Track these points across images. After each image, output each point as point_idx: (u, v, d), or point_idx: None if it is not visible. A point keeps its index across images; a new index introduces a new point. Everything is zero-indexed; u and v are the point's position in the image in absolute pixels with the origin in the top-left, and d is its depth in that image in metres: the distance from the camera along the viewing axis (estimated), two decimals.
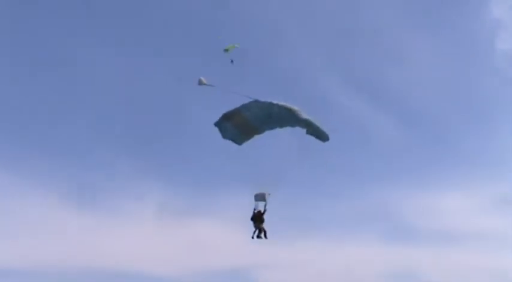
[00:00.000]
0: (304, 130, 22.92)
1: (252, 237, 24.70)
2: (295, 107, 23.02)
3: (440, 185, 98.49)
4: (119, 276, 75.96)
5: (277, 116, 22.79)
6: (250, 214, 25.49)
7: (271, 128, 23.99)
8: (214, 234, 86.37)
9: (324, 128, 22.94)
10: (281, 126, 23.52)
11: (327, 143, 22.83)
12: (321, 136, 22.91)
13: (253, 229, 25.28)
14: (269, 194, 23.56)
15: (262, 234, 24.88)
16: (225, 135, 24.67)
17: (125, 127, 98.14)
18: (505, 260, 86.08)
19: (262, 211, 25.46)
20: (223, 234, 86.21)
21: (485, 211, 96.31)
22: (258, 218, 25.61)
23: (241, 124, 23.80)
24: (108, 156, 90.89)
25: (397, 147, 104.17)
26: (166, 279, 79.09)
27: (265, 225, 24.69)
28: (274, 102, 23.36)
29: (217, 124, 25.28)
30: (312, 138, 23.01)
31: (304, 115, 22.52)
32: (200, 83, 22.08)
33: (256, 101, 23.20)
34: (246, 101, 23.45)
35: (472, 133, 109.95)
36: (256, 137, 24.85)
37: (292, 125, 22.74)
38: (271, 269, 79.58)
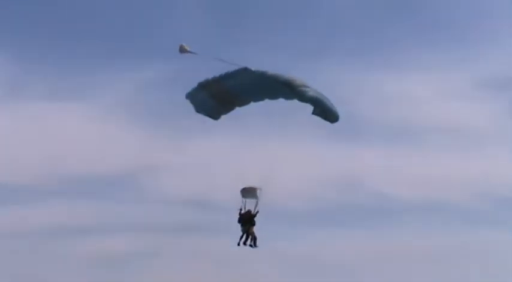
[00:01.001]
0: (307, 107, 19.51)
1: (238, 244, 20.52)
2: (298, 81, 19.52)
3: (402, 66, 79.73)
4: None
5: (271, 88, 19.38)
6: (236, 215, 21.39)
7: (259, 100, 20.53)
8: (85, 127, 72.24)
9: (333, 106, 19.50)
10: (273, 98, 20.07)
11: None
12: (330, 116, 19.44)
13: (240, 234, 20.94)
14: (260, 189, 19.87)
15: (251, 241, 20.69)
16: (198, 109, 21.17)
17: None
18: (481, 162, 73.80)
19: (253, 212, 21.19)
20: (99, 128, 72.76)
21: (459, 99, 79.30)
22: (247, 221, 21.41)
23: (221, 94, 20.34)
24: None
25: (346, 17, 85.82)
26: (22, 190, 65.53)
27: (255, 230, 20.56)
28: (270, 72, 19.81)
29: (189, 95, 21.49)
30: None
31: (311, 91, 19.07)
32: (182, 50, 18.81)
33: (245, 69, 19.77)
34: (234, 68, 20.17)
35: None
36: (238, 109, 21.15)
37: (288, 98, 19.33)
38: (161, 173, 68.50)
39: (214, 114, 21.64)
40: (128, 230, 63.30)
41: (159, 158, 67.91)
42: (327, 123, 19.81)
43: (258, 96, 20.79)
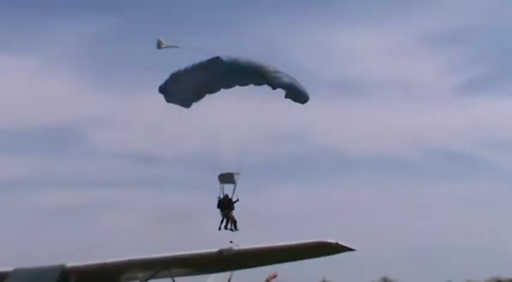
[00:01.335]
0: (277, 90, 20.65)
1: (219, 229, 21.43)
2: (270, 67, 20.82)
3: (348, 20, 78.36)
4: None
5: (243, 76, 20.66)
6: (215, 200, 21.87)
7: (231, 87, 21.66)
8: (29, 80, 69.77)
9: (303, 88, 21.24)
10: (244, 85, 21.29)
11: None
12: (301, 98, 21.20)
13: (220, 218, 21.81)
14: (238, 174, 20.93)
15: (231, 225, 21.66)
16: (170, 99, 21.88)
17: None
18: (425, 116, 73.86)
19: (230, 196, 22.06)
20: (43, 80, 70.83)
21: (403, 53, 79.13)
22: (225, 206, 22.15)
23: (193, 85, 21.36)
24: None
25: None
26: None
27: (235, 214, 21.66)
28: (242, 60, 21.05)
29: (163, 89, 22.49)
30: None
31: (284, 77, 20.57)
32: (159, 45, 19.83)
33: (217, 58, 20.91)
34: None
35: None
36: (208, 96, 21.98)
37: (260, 84, 20.71)
38: (106, 126, 67.66)
39: (187, 104, 22.27)
40: (72, 184, 62.83)
41: (104, 111, 67.65)
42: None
43: (229, 84, 21.40)
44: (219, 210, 21.56)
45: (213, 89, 21.21)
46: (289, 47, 73.02)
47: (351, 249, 16.99)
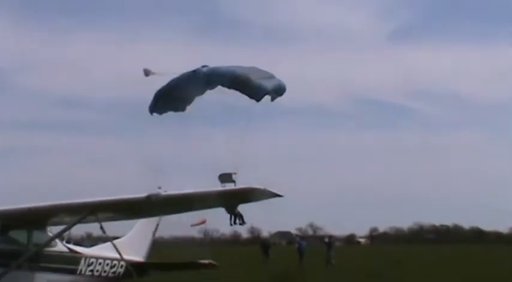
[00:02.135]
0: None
1: (231, 225, 22.41)
2: (253, 75, 20.97)
3: None
4: None
5: (226, 85, 20.90)
6: None
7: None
8: None
9: (281, 82, 21.49)
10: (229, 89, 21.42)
11: None
12: (282, 93, 21.50)
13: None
14: (235, 174, 21.63)
15: (239, 220, 22.43)
16: (163, 112, 21.96)
17: None
18: (353, 66, 75.33)
19: None
20: None
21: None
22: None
23: (180, 95, 21.60)
24: None
25: None
26: None
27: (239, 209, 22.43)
28: (222, 70, 21.21)
29: (153, 109, 22.32)
30: None
31: (267, 85, 20.77)
32: (147, 74, 19.54)
33: (194, 71, 21.04)
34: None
35: None
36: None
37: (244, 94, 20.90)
38: (33, 69, 67.66)
39: (180, 109, 22.34)
40: None
41: (31, 54, 66.97)
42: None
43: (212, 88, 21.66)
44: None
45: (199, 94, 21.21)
46: None
47: (279, 196, 17.25)
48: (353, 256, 50.66)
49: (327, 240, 53.77)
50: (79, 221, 19.56)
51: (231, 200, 18.31)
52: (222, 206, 18.95)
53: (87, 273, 21.40)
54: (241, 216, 23.22)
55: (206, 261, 23.76)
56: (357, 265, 44.19)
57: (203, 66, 20.98)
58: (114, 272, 22.34)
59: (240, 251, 71.48)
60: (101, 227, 19.83)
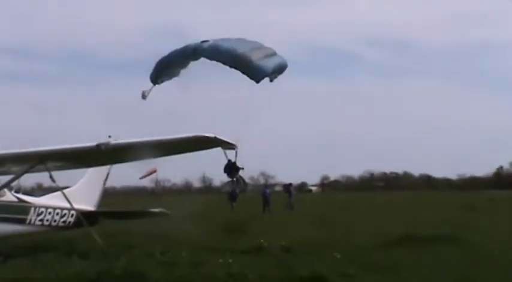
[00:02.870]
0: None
1: (232, 190, 23.16)
2: (254, 55, 20.74)
3: None
4: None
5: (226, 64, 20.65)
6: None
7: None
8: None
9: (280, 58, 21.29)
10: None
11: None
12: (283, 71, 21.27)
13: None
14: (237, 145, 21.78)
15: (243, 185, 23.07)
16: (161, 82, 21.65)
17: None
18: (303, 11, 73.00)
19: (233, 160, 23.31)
20: None
21: None
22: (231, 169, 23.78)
23: (176, 71, 21.39)
24: None
25: None
26: None
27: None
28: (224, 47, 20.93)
29: (154, 82, 21.97)
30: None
31: (269, 65, 20.55)
32: (144, 96, 19.23)
33: (195, 49, 20.79)
34: None
35: None
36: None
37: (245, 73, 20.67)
38: None
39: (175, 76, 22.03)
40: None
41: None
42: None
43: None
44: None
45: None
46: None
47: (230, 144, 17.25)
48: (305, 203, 51.30)
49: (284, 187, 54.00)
50: (27, 171, 19.38)
51: (182, 148, 18.26)
52: (173, 154, 18.89)
53: (37, 222, 21.29)
54: (243, 181, 23.66)
55: (157, 210, 23.83)
56: (310, 211, 44.87)
57: (203, 42, 20.88)
58: (64, 221, 22.28)
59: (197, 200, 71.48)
60: (51, 176, 19.72)
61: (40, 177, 21.72)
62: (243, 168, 23.16)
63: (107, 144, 17.88)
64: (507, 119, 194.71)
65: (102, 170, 24.11)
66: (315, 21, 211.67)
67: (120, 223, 25.33)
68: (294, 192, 55.89)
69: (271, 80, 21.83)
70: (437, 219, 31.88)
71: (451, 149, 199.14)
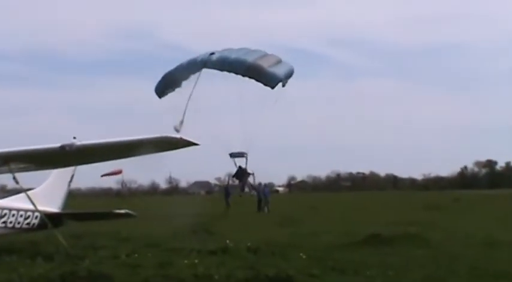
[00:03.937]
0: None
1: (242, 191, 24.21)
2: (265, 63, 20.87)
3: None
4: None
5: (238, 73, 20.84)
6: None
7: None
8: None
9: (289, 66, 21.41)
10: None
11: None
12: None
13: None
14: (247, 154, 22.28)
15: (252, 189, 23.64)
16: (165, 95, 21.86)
17: None
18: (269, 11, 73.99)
19: (244, 167, 24.18)
20: None
21: None
22: (242, 176, 24.61)
23: (182, 83, 21.47)
24: None
25: None
26: None
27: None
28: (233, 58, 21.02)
29: (160, 95, 22.06)
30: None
31: (279, 73, 20.64)
32: (177, 131, 19.27)
33: (205, 63, 20.88)
34: None
35: None
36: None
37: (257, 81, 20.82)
38: None
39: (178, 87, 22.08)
40: None
41: None
42: None
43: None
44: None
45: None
46: None
47: (195, 144, 17.18)
48: (273, 203, 51.25)
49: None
50: None
51: (147, 149, 18.14)
52: (139, 155, 18.79)
53: (0, 225, 21.00)
54: (251, 185, 24.51)
55: (123, 211, 23.64)
56: (277, 211, 44.85)
57: (211, 54, 20.95)
58: (28, 223, 21.98)
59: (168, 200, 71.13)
60: (14, 178, 19.47)
61: (3, 179, 21.46)
62: (253, 174, 24.05)
63: (71, 146, 17.70)
64: (471, 118, 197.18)
65: (67, 171, 23.85)
66: (277, 21, 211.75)
67: (85, 225, 25.09)
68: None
69: (283, 85, 22.23)
70: (402, 219, 32.15)
71: (416, 150, 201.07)
